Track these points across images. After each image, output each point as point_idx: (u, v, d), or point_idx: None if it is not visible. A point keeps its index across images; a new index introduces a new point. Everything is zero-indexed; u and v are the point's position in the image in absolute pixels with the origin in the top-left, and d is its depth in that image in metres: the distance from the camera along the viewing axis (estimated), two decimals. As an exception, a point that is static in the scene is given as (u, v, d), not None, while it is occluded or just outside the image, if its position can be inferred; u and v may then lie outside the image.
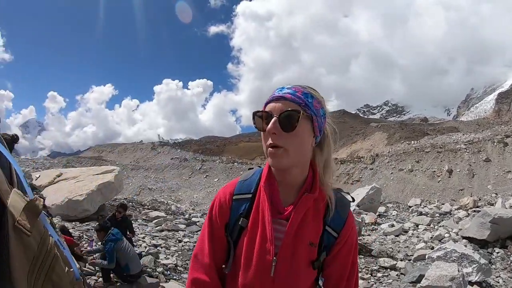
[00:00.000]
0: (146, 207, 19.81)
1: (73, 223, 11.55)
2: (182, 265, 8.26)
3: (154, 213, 15.19)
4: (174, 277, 7.54)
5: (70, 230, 9.60)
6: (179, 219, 14.26)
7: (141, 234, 10.10)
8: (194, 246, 9.56)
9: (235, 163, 64.53)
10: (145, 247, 8.92)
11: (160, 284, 6.89)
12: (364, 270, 8.69)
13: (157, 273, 7.38)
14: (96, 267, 6.50)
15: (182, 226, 12.43)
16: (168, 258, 8.36)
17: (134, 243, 8.73)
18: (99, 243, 6.63)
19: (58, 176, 15.72)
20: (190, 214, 17.58)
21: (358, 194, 19.50)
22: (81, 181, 14.58)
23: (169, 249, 9.12)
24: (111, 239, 6.04)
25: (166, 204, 34.83)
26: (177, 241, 9.80)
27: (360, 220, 14.83)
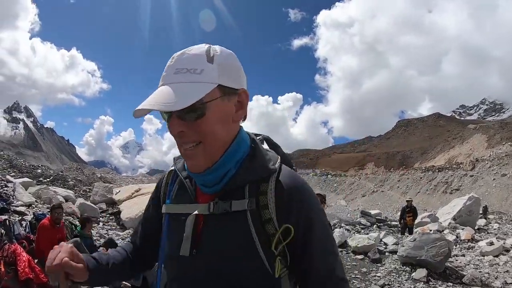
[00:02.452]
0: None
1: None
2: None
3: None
4: None
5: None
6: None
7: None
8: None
9: (329, 175, 64.11)
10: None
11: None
12: (452, 303, 7.38)
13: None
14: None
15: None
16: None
17: None
18: None
19: (137, 191, 16.10)
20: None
21: (455, 205, 17.66)
22: (157, 196, 14.78)
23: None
24: None
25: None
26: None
27: (456, 237, 13.13)
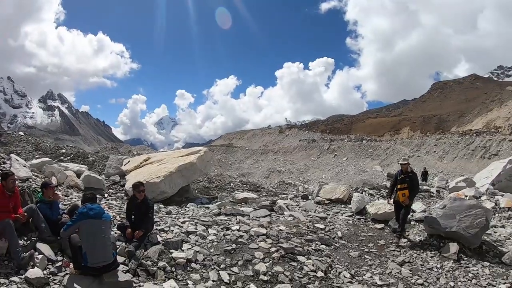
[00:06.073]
0: (240, 188, 19.17)
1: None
2: (202, 261, 6.40)
3: (242, 195, 13.56)
4: (179, 275, 5.91)
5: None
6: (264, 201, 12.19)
7: (184, 218, 8.54)
8: (240, 236, 7.50)
9: (364, 141, 65.63)
10: (176, 233, 7.21)
11: (140, 283, 5.52)
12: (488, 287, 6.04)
13: (156, 268, 5.89)
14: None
15: (249, 210, 10.43)
16: (190, 249, 6.56)
17: (167, 228, 7.56)
18: None
19: (146, 160, 15.69)
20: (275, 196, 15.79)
21: (493, 169, 16.18)
22: (164, 164, 14.45)
23: (205, 239, 7.28)
24: (79, 212, 5.57)
25: (294, 185, 34.57)
26: (224, 229, 7.84)
27: (494, 204, 11.51)
